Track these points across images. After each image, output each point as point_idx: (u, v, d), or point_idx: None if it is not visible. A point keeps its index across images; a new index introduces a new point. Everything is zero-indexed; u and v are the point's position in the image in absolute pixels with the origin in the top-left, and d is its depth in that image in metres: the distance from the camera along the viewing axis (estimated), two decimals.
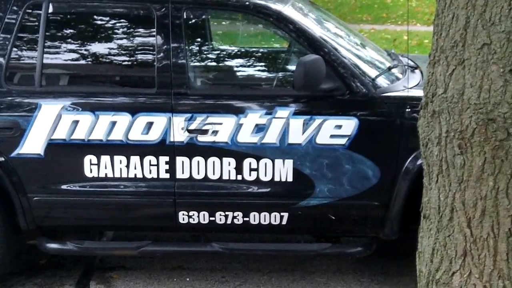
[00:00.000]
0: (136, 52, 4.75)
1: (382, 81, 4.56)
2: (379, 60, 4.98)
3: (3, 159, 4.46)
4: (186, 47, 4.55)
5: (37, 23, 4.54)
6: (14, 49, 4.52)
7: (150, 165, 4.47)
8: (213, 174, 4.46)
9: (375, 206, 4.49)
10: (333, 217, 4.52)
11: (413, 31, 11.91)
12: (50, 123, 4.42)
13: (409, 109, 4.36)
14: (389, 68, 4.81)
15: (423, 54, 7.32)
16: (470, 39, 2.79)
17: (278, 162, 4.43)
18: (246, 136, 4.41)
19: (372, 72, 4.61)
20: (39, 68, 4.50)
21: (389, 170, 4.42)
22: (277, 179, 4.45)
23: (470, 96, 2.80)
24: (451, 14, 2.85)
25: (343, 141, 4.38)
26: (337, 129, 4.38)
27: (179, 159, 4.45)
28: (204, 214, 4.53)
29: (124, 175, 4.48)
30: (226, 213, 4.52)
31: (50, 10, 4.58)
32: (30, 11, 4.54)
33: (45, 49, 4.54)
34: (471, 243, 2.92)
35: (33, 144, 4.43)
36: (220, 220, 4.54)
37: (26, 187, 4.51)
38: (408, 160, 4.36)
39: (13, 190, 4.50)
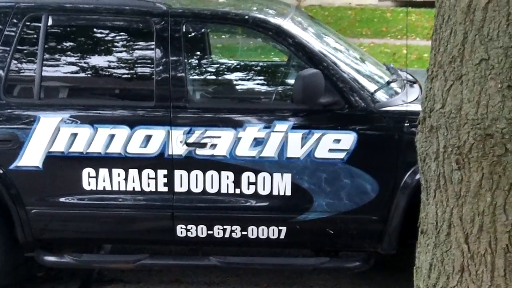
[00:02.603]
0: (135, 65, 4.77)
1: (381, 96, 4.56)
2: (378, 74, 4.98)
3: (1, 171, 4.45)
4: (185, 60, 4.55)
5: (36, 36, 4.54)
6: (13, 61, 4.53)
7: (149, 178, 4.46)
8: (211, 187, 4.46)
9: (373, 220, 4.48)
10: (332, 232, 4.51)
11: (413, 45, 11.93)
12: (48, 135, 4.41)
13: (408, 124, 4.36)
14: (388, 83, 4.81)
15: (422, 69, 7.33)
16: (468, 54, 2.78)
17: (277, 176, 4.42)
18: (244, 150, 4.40)
19: (371, 87, 4.60)
20: (38, 80, 4.50)
21: (387, 185, 4.41)
22: (275, 193, 4.44)
23: (468, 112, 2.79)
24: (449, 30, 2.85)
25: (341, 155, 4.38)
26: (335, 143, 4.38)
27: (177, 173, 4.44)
28: (202, 228, 4.52)
29: (123, 188, 4.47)
30: (224, 227, 4.51)
31: (50, 23, 4.59)
32: (29, 23, 4.55)
33: (44, 62, 4.55)
34: (469, 258, 2.91)
35: (31, 156, 4.42)
36: (218, 234, 4.53)
37: (24, 199, 4.50)
38: (407, 175, 4.36)
39: (11, 202, 4.49)
